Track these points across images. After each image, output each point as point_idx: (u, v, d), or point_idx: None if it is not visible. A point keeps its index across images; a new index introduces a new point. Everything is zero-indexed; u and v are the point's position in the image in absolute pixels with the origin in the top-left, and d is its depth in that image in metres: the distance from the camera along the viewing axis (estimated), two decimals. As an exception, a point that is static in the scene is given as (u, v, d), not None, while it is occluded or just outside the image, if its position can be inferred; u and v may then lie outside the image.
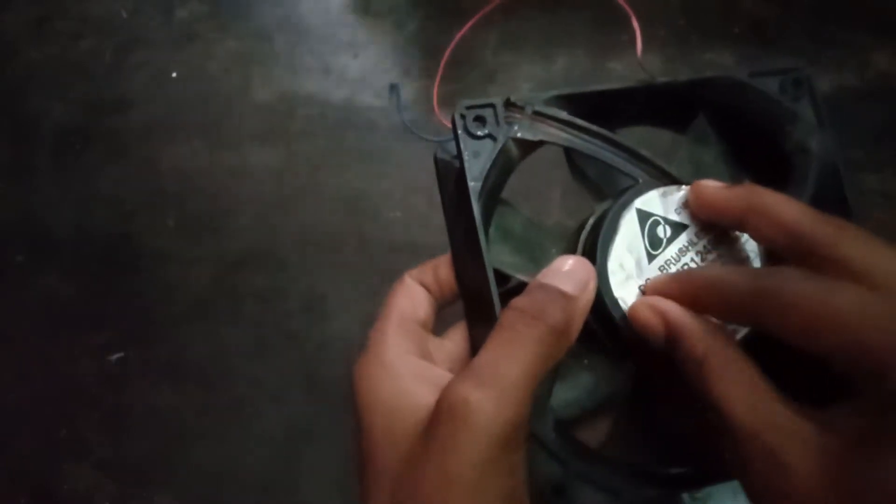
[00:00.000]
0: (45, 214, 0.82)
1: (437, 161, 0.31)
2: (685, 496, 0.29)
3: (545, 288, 0.25)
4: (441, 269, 0.31)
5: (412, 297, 0.30)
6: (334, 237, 0.76)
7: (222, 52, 0.88)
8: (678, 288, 0.25)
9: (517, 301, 0.25)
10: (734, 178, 0.31)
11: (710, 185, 0.26)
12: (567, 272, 0.25)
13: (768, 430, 0.21)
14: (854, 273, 0.21)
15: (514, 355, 0.23)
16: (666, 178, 0.30)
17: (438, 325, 0.32)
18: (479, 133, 0.28)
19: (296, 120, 0.83)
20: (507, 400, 0.22)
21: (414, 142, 0.79)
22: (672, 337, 0.24)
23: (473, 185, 0.27)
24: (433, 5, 0.88)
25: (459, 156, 0.28)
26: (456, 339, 0.31)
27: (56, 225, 0.81)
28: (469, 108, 0.28)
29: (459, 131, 0.28)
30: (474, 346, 0.30)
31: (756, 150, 0.31)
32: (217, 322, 0.74)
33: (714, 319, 0.25)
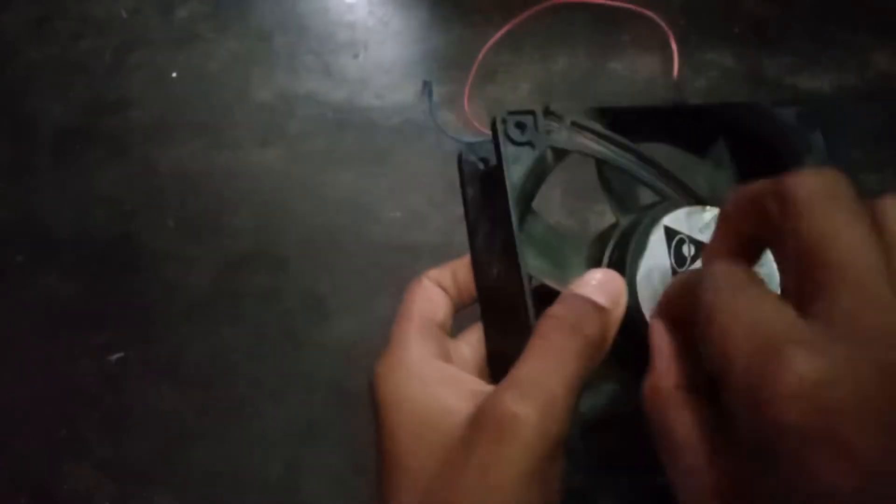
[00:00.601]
0: (45, 214, 0.82)
1: (461, 162, 0.31)
2: None
3: (581, 299, 0.25)
4: (460, 271, 0.31)
5: (432, 299, 0.30)
6: (334, 237, 0.76)
7: (222, 52, 0.88)
8: (670, 291, 0.26)
9: (554, 310, 0.25)
10: None
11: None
12: (600, 285, 0.26)
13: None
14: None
15: (557, 368, 0.23)
16: (690, 198, 0.30)
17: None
18: (520, 140, 0.28)
19: (296, 120, 0.83)
20: (553, 415, 0.23)
21: (414, 142, 0.78)
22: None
23: (512, 192, 0.27)
24: (434, 5, 0.88)
25: (499, 162, 0.28)
26: (471, 342, 0.31)
27: (56, 225, 0.81)
28: (511, 114, 0.28)
29: (500, 138, 0.28)
30: (491, 350, 0.30)
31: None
32: (217, 322, 0.74)
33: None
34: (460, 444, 0.23)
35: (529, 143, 0.28)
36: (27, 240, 0.81)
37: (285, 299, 0.75)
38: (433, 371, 0.27)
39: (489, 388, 0.25)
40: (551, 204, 0.72)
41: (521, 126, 0.28)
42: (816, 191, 0.18)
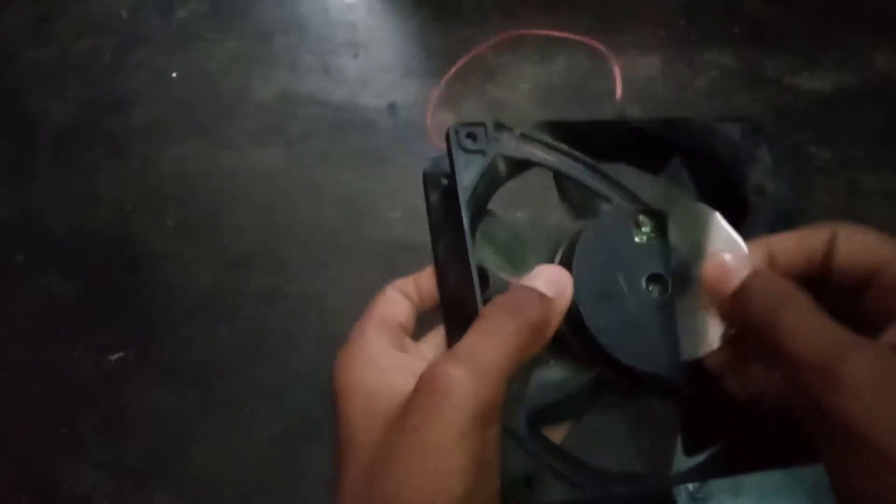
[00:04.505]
0: (45, 214, 0.82)
1: (425, 176, 0.34)
2: (684, 495, 0.29)
3: (525, 287, 0.27)
4: (423, 280, 0.34)
5: (392, 302, 0.33)
6: (334, 237, 0.76)
7: (222, 52, 0.88)
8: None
9: (499, 297, 0.27)
10: None
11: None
12: (546, 277, 0.28)
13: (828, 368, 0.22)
14: None
15: (493, 341, 0.25)
16: (639, 206, 0.32)
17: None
18: (471, 148, 0.31)
19: (296, 120, 0.83)
20: (485, 379, 0.24)
21: (414, 142, 0.79)
22: None
23: (463, 192, 0.30)
24: (434, 5, 0.88)
25: (451, 166, 0.31)
26: (434, 343, 0.33)
27: (56, 225, 0.81)
28: (463, 125, 0.32)
29: (453, 146, 0.31)
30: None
31: (720, 190, 0.33)
32: (217, 322, 0.74)
33: None
34: (400, 411, 0.25)
35: (481, 151, 0.31)
36: (27, 240, 0.81)
37: (285, 299, 0.75)
38: (387, 359, 0.29)
39: None
40: (551, 204, 0.72)
41: (472, 136, 0.31)
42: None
